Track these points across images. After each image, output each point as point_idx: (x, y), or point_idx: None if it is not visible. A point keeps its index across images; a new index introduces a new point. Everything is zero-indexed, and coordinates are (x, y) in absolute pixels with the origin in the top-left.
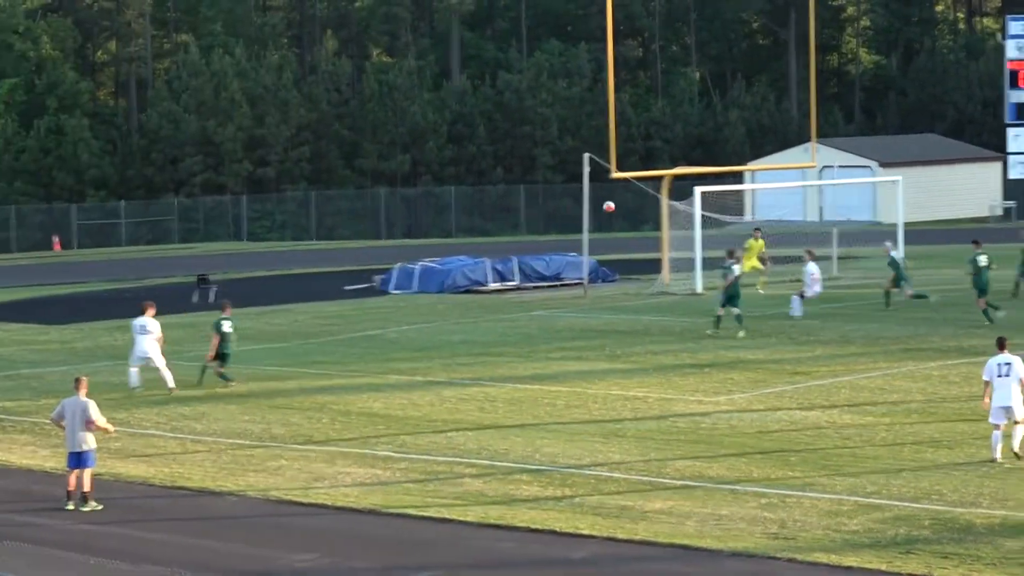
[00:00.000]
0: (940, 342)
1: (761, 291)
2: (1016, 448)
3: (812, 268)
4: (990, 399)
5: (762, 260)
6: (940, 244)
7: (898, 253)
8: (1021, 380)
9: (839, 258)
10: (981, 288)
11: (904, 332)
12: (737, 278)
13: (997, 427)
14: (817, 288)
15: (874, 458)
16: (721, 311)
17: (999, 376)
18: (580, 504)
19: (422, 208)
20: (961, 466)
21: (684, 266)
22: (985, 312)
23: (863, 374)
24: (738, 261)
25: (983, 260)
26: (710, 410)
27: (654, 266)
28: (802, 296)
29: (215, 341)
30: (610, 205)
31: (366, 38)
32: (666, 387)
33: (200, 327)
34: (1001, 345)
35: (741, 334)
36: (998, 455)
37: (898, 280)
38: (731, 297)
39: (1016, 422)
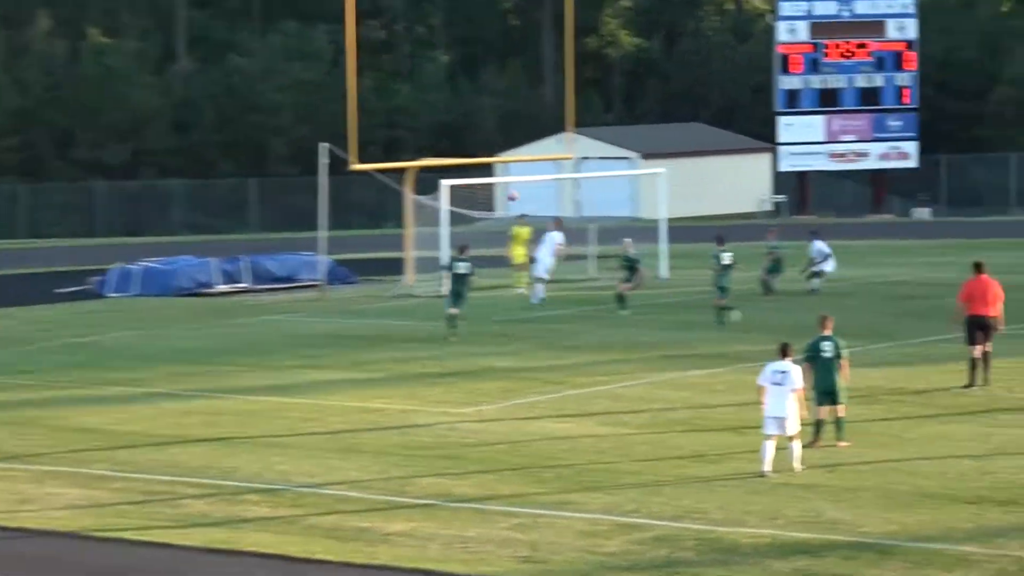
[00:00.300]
0: (705, 348)
1: (522, 291)
2: (794, 465)
3: (556, 236)
4: (764, 404)
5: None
6: (706, 242)
7: (633, 250)
8: (797, 390)
9: (598, 257)
10: (722, 287)
11: (667, 338)
12: (465, 276)
13: (769, 438)
14: (548, 262)
15: (634, 473)
16: (454, 310)
17: (774, 384)
18: (314, 526)
19: (143, 203)
20: (727, 481)
21: (429, 266)
22: (719, 312)
23: (622, 383)
24: (466, 259)
25: (727, 258)
26: (457, 422)
27: (397, 266)
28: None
29: None
30: (514, 193)
31: (82, 17)
32: (409, 398)
33: None
34: (784, 352)
35: (452, 338)
36: (767, 467)
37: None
38: (457, 296)
39: (790, 437)
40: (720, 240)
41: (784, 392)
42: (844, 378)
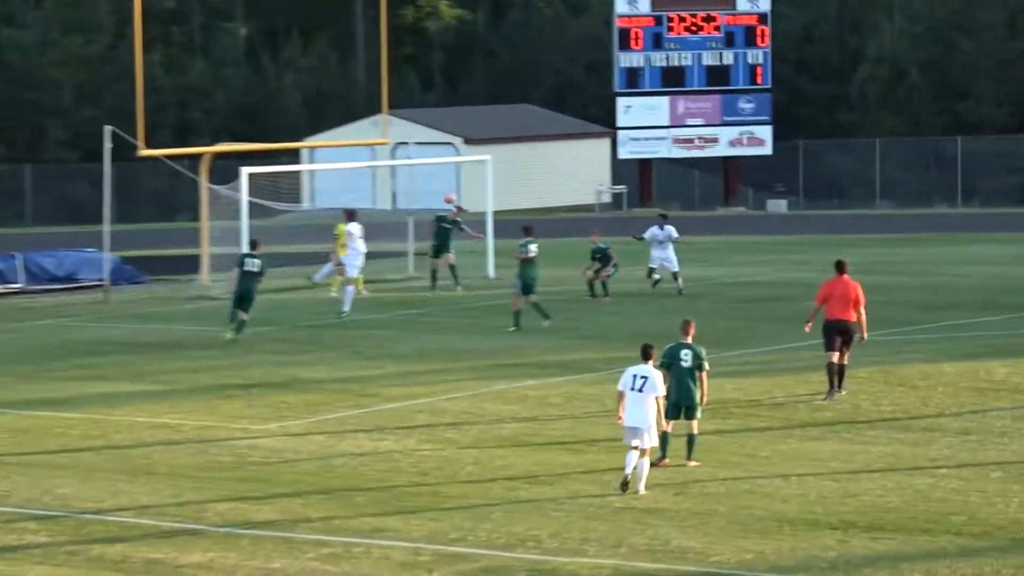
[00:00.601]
0: (538, 356)
1: (364, 292)
2: (639, 486)
3: (352, 228)
4: (621, 412)
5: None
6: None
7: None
8: (659, 398)
9: (417, 254)
10: (526, 284)
11: (496, 344)
12: (254, 274)
13: (633, 448)
14: (357, 259)
15: (459, 497)
16: (244, 315)
17: (632, 389)
18: (100, 557)
19: None
20: (563, 505)
21: (228, 264)
22: (516, 315)
23: (445, 396)
24: (258, 256)
25: (533, 250)
26: (259, 440)
27: (191, 264)
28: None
29: None
30: (450, 196)
31: None
32: (206, 412)
33: None
34: (646, 354)
35: (229, 335)
36: (628, 470)
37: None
38: (241, 298)
39: (642, 451)
40: (528, 230)
41: (643, 400)
42: (702, 392)
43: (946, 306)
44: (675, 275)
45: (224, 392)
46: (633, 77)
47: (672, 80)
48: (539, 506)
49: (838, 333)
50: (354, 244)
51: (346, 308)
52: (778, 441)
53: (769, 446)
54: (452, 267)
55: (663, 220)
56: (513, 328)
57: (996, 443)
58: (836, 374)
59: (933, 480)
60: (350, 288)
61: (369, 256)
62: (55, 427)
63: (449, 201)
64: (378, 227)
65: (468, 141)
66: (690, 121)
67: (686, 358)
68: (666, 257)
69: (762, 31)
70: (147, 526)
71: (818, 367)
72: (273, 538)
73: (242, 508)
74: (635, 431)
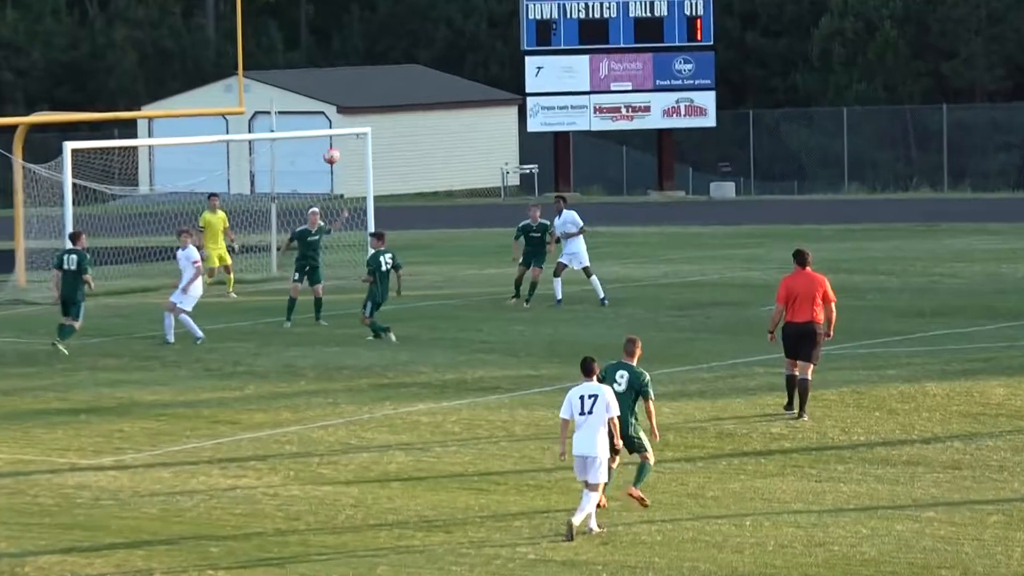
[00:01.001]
0: (432, 374)
1: (234, 295)
2: (576, 521)
3: (191, 253)
4: (564, 447)
5: (230, 248)
6: (431, 229)
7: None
8: (612, 420)
9: (282, 249)
10: (376, 299)
11: (378, 360)
12: (71, 273)
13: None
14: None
15: (335, 547)
16: (74, 322)
17: (581, 414)
18: None
19: None
20: (464, 557)
21: (48, 261)
22: (375, 329)
23: (319, 422)
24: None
25: (387, 260)
26: (90, 478)
27: (4, 261)
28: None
29: None
30: (333, 154)
31: None
32: (23, 443)
33: None
34: (588, 370)
35: (61, 348)
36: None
37: None
38: (65, 303)
39: (589, 485)
40: (379, 238)
41: (594, 425)
42: (650, 425)
43: (931, 313)
44: (586, 270)
45: (46, 418)
46: (544, 32)
47: (593, 35)
48: (434, 558)
49: (800, 338)
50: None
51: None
52: (727, 478)
53: (717, 484)
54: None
55: (563, 204)
56: (376, 337)
57: (993, 480)
58: (796, 390)
59: (918, 525)
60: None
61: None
62: None
63: (331, 162)
64: (234, 215)
65: (342, 110)
66: (615, 86)
67: (621, 381)
68: (574, 252)
69: None
70: None
71: (775, 387)
72: None
73: (69, 561)
74: (584, 462)
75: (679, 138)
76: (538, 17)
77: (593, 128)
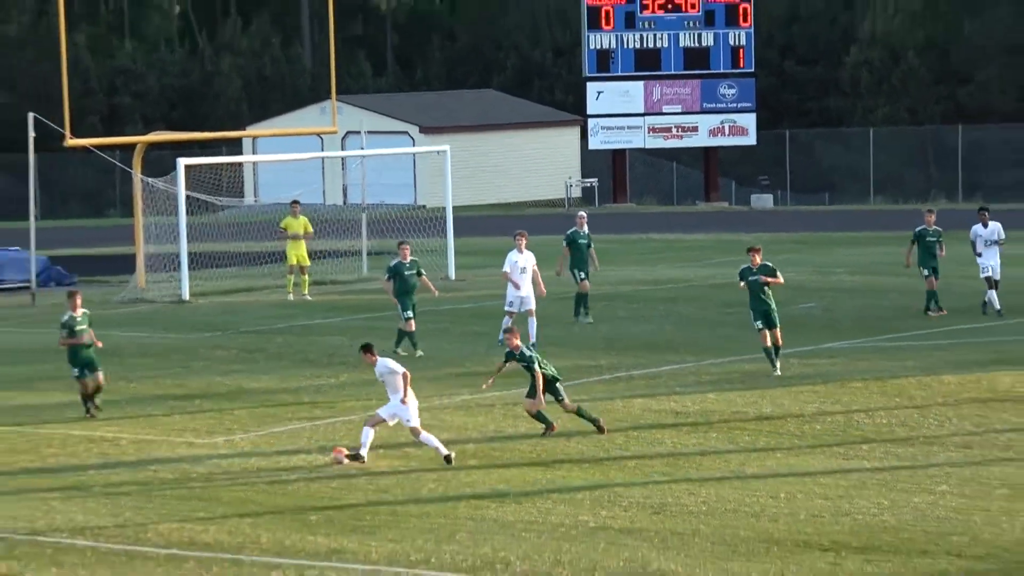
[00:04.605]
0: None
1: (308, 297)
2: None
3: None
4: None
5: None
6: (498, 236)
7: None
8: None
9: (370, 253)
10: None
11: (460, 351)
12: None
13: None
14: None
15: (419, 516)
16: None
17: None
18: None
19: None
20: (533, 525)
21: (165, 264)
22: (411, 337)
23: None
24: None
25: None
26: (204, 455)
27: (125, 265)
28: None
29: None
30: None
31: None
32: (145, 426)
33: None
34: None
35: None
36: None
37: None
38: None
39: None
40: (402, 246)
41: None
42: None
43: (948, 311)
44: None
45: (165, 403)
46: (604, 60)
47: (647, 63)
48: (506, 525)
49: None
50: None
51: None
52: (765, 456)
53: (756, 461)
54: None
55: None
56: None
57: (1000, 458)
58: None
59: (932, 498)
60: None
61: (319, 255)
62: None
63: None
64: (328, 223)
65: (424, 130)
66: (667, 108)
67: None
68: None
69: (744, 9)
70: (84, 548)
71: (808, 376)
72: (220, 560)
73: (186, 528)
74: None
75: (723, 155)
76: (598, 47)
77: (647, 146)
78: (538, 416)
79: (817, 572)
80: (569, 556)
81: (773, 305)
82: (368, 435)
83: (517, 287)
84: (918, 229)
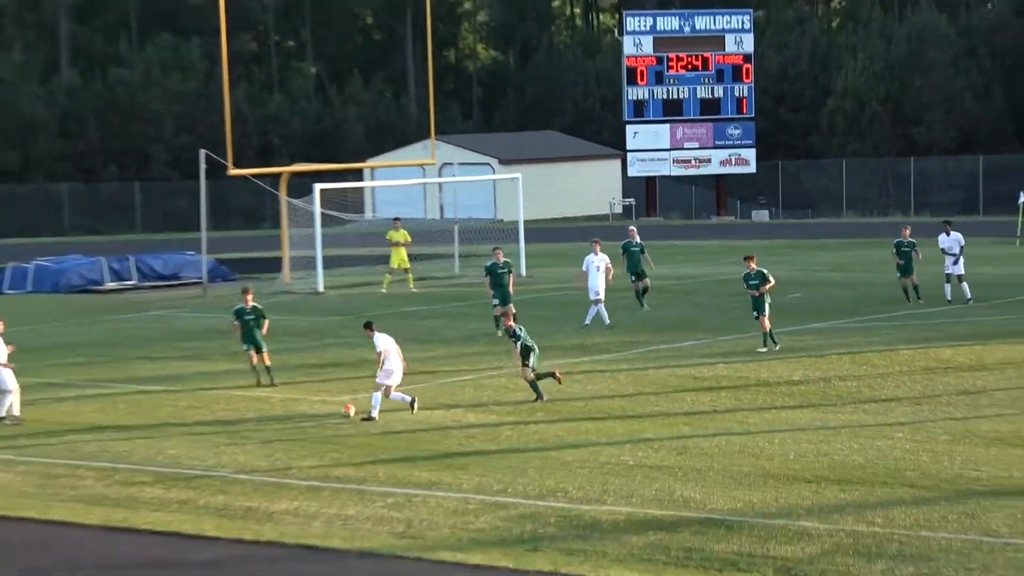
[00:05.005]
0: (563, 340)
1: (415, 289)
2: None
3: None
4: None
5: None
6: (559, 243)
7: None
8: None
9: (460, 256)
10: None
11: (527, 330)
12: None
13: None
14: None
15: (499, 456)
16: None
17: None
18: (205, 506)
19: (34, 205)
20: (585, 464)
21: (305, 265)
22: (497, 321)
23: (486, 373)
24: None
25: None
26: (335, 411)
27: (274, 265)
28: None
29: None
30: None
31: None
32: (291, 388)
33: None
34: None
35: None
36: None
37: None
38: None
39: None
40: (496, 251)
41: None
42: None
43: (903, 299)
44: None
45: (305, 371)
46: (639, 108)
47: (672, 110)
48: (566, 464)
49: None
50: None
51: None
52: (763, 411)
53: (756, 415)
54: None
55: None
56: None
57: (943, 412)
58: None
59: (891, 442)
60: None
61: (421, 258)
62: (165, 400)
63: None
64: (429, 234)
65: (502, 162)
66: (687, 145)
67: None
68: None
69: (747, 69)
70: (244, 480)
71: (796, 349)
72: (348, 490)
73: (322, 466)
74: None
75: (730, 181)
76: (635, 98)
77: (672, 174)
78: (531, 384)
79: (802, 498)
80: (613, 486)
81: (766, 300)
82: (378, 399)
83: (594, 281)
84: (896, 241)
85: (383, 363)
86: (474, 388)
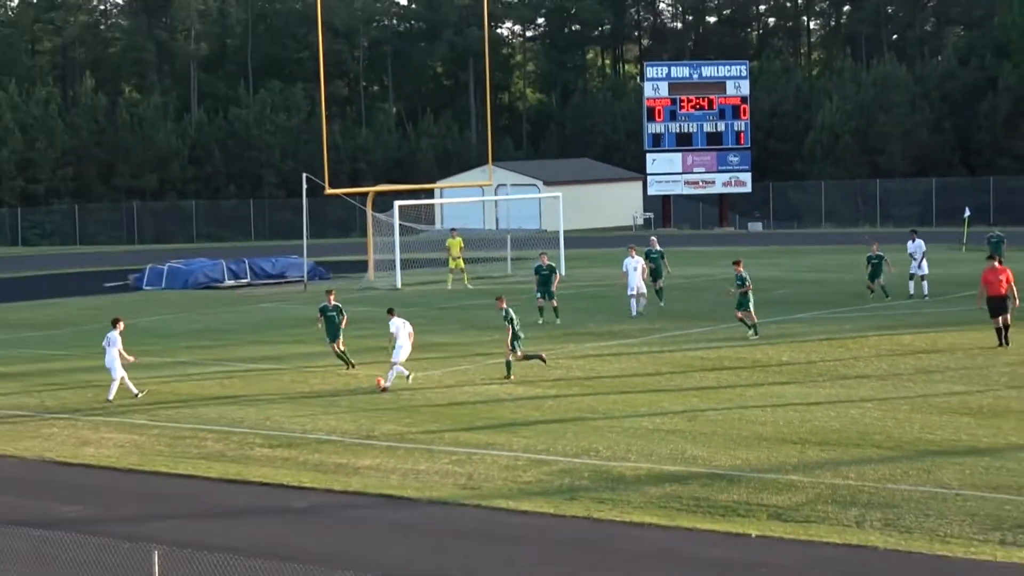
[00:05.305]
0: (595, 327)
1: (469, 286)
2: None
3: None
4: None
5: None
6: (592, 248)
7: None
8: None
9: (512, 259)
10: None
11: (566, 319)
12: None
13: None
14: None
15: (543, 422)
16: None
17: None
18: (304, 462)
19: (168, 218)
20: (613, 428)
21: (386, 266)
22: (541, 311)
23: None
24: None
25: (545, 268)
26: (407, 386)
27: (361, 266)
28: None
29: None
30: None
31: (119, 77)
32: (373, 366)
33: None
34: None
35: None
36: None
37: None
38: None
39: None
40: (543, 253)
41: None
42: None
43: (869, 295)
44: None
45: (384, 352)
46: (657, 139)
47: (684, 141)
48: (597, 428)
49: (997, 305)
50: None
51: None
52: (757, 386)
53: (752, 389)
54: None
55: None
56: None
57: (904, 387)
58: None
59: (862, 411)
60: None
61: (480, 261)
62: (272, 376)
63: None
64: (485, 241)
65: (546, 183)
66: (696, 169)
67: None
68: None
69: (744, 108)
70: (335, 441)
71: (784, 335)
72: (419, 449)
73: (398, 429)
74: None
75: (730, 198)
76: (654, 132)
77: (683, 193)
78: (507, 365)
79: (790, 457)
80: (636, 447)
81: (750, 297)
82: (393, 373)
83: (632, 280)
84: (868, 255)
85: (394, 342)
86: (522, 367)
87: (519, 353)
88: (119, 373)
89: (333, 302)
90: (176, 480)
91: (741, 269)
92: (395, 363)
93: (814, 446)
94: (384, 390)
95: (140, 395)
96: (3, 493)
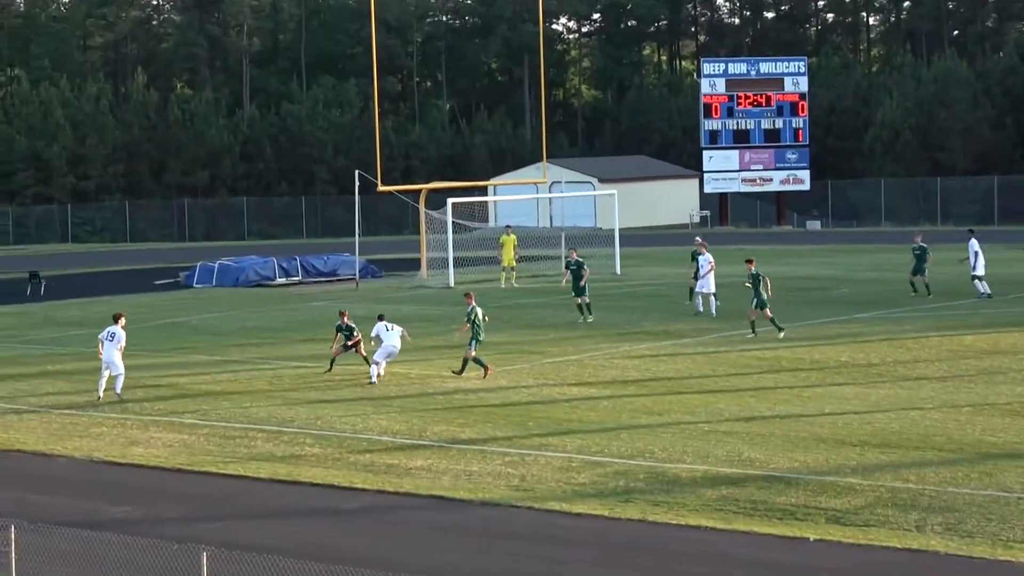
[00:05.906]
0: (650, 327)
1: (515, 284)
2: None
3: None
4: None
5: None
6: (648, 247)
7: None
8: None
9: (566, 257)
10: (579, 288)
11: (621, 319)
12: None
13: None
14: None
15: (598, 423)
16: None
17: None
18: (355, 462)
19: (219, 215)
20: (669, 429)
21: (439, 264)
22: (580, 308)
23: (587, 354)
24: None
25: (574, 264)
26: (462, 385)
27: (414, 264)
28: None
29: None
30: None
31: (170, 73)
32: (425, 365)
33: (30, 316)
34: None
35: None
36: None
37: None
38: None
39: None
40: (573, 250)
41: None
42: None
43: (936, 295)
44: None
45: (437, 351)
46: (714, 136)
47: (741, 139)
48: (653, 429)
49: None
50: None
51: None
52: (815, 386)
53: (809, 390)
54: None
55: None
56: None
57: (965, 388)
58: None
59: (922, 413)
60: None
61: (535, 259)
62: (320, 374)
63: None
64: (540, 239)
65: (601, 180)
66: (753, 167)
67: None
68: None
69: (802, 105)
70: (386, 441)
71: (843, 335)
72: (472, 450)
73: (450, 430)
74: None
75: (788, 196)
76: (711, 129)
77: (740, 190)
78: (475, 360)
79: (849, 459)
80: (691, 448)
81: (765, 295)
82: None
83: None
84: (912, 247)
85: (378, 344)
86: (577, 367)
87: (471, 352)
88: (122, 368)
89: (347, 322)
90: (225, 480)
91: (752, 268)
92: (379, 362)
93: (874, 448)
94: (371, 383)
95: (101, 399)
96: (52, 493)
